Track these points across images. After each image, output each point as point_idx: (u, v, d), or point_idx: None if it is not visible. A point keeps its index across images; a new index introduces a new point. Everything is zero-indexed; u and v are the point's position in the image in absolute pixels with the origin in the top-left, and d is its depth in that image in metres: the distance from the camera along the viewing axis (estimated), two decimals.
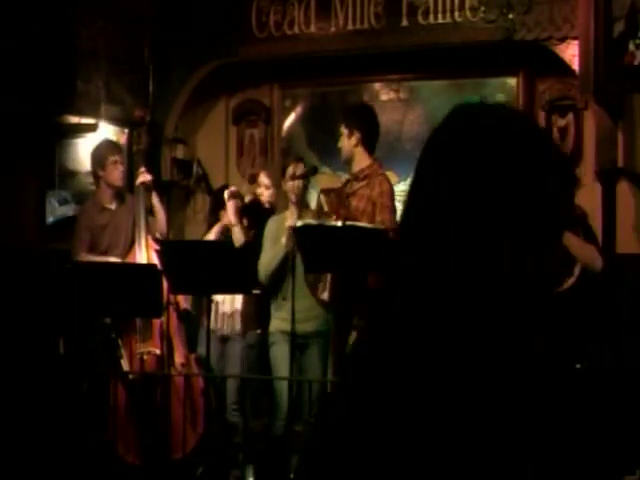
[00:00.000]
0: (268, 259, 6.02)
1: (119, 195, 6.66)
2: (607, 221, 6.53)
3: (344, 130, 6.06)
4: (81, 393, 6.41)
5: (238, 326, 6.41)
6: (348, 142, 6.04)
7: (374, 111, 6.30)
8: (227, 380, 6.35)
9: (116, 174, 6.58)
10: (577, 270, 5.78)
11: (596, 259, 5.83)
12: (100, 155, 6.64)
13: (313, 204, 7.43)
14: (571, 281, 5.78)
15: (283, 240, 5.96)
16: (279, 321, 6.13)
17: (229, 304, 6.41)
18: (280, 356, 6.12)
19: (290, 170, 6.17)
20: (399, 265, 1.70)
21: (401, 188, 6.63)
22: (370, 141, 6.09)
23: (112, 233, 6.59)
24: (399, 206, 6.00)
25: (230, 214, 6.35)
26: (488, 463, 1.64)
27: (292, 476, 5.83)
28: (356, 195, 5.98)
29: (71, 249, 6.52)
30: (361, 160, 6.06)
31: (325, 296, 5.80)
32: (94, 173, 6.70)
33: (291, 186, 6.13)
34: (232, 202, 6.36)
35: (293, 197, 6.13)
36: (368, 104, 6.97)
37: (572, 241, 5.84)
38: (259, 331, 6.33)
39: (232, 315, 6.41)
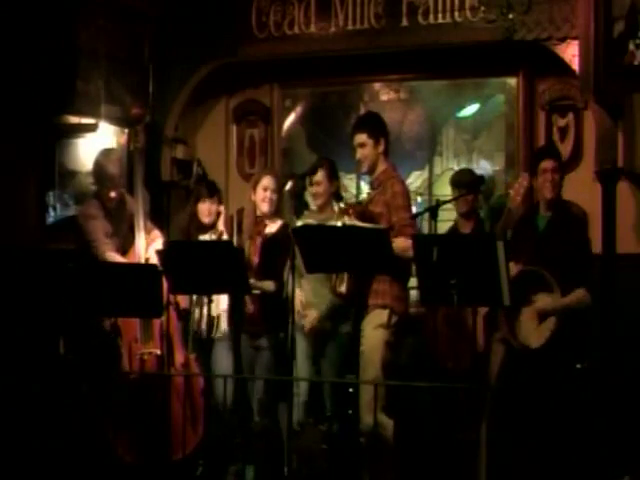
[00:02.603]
0: None
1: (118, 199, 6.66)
2: (607, 221, 6.52)
3: (368, 140, 6.05)
4: (81, 393, 6.41)
5: (224, 328, 6.40)
6: (374, 151, 6.06)
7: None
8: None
9: (106, 199, 6.57)
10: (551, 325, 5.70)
11: (584, 299, 5.74)
12: (95, 174, 6.66)
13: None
14: (545, 335, 5.72)
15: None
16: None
17: (214, 306, 6.38)
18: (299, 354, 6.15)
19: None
20: None
21: None
22: (388, 146, 6.17)
23: (112, 235, 6.58)
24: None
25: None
26: None
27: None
28: (372, 202, 6.06)
29: (90, 242, 6.45)
30: (380, 166, 6.10)
31: (343, 289, 5.94)
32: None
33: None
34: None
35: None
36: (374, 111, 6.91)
37: (562, 301, 5.76)
38: (282, 334, 6.30)
39: (218, 317, 6.40)
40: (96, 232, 6.47)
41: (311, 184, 6.29)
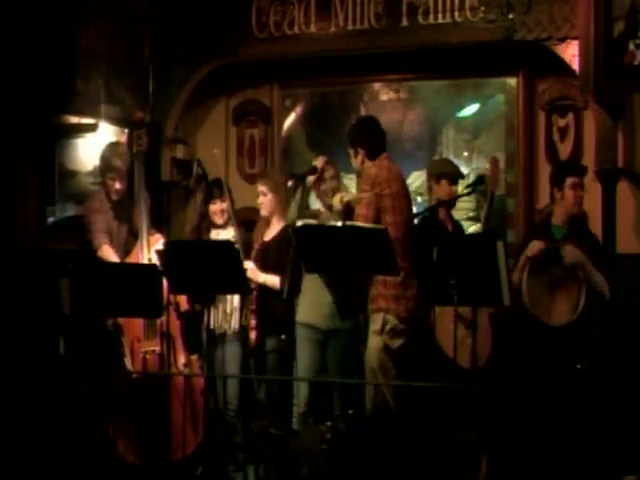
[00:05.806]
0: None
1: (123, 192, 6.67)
2: (607, 221, 6.53)
3: (350, 151, 6.10)
4: (81, 393, 6.41)
5: (236, 325, 6.41)
6: (355, 161, 6.09)
7: (375, 121, 6.22)
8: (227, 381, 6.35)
9: (112, 190, 6.58)
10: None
11: (607, 287, 5.93)
12: (101, 167, 6.67)
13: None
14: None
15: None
16: (304, 314, 6.17)
17: (229, 302, 6.41)
18: (302, 353, 6.14)
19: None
20: None
21: None
22: (375, 152, 6.03)
23: (112, 236, 6.59)
24: None
25: None
26: None
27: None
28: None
29: (91, 241, 6.49)
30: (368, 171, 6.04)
31: None
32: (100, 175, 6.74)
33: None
34: None
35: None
36: (368, 116, 6.89)
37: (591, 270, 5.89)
38: (283, 336, 6.25)
39: (231, 313, 6.41)
40: (95, 224, 6.50)
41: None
